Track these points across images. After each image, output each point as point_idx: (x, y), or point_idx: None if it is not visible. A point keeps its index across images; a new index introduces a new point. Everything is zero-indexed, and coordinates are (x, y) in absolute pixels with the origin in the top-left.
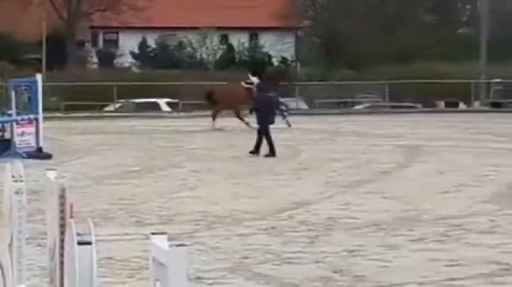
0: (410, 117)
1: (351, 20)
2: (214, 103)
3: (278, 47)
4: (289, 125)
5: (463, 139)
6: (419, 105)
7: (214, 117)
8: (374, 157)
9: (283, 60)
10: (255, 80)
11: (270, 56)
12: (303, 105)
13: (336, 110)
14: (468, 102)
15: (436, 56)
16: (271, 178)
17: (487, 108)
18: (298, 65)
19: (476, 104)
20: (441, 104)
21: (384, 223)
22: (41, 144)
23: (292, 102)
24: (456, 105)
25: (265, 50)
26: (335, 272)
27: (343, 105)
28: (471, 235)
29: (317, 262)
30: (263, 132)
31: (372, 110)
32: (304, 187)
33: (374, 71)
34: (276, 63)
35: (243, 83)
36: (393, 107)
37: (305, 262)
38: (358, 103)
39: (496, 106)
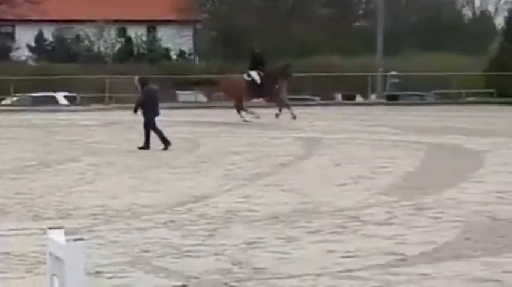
0: (308, 110)
1: (248, 14)
2: None
3: (176, 40)
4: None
5: (360, 131)
6: (317, 98)
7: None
8: (273, 150)
9: (181, 53)
10: (254, 74)
11: (168, 49)
12: (202, 99)
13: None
14: (365, 95)
15: (333, 50)
16: (169, 171)
17: (383, 101)
18: (197, 58)
19: (373, 97)
20: (338, 97)
21: (282, 215)
22: None
23: (190, 96)
24: (353, 98)
25: (163, 43)
26: (234, 264)
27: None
28: (368, 227)
29: (216, 254)
30: (150, 126)
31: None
32: (203, 180)
33: (272, 64)
34: (174, 57)
35: (244, 76)
36: (292, 99)
37: (204, 254)
38: None
39: (392, 99)
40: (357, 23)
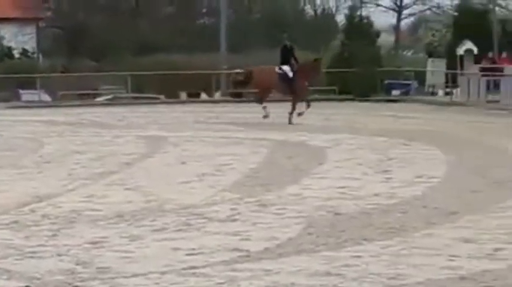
0: (152, 108)
1: (92, 11)
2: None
3: (19, 39)
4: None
5: (204, 129)
6: (161, 96)
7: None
8: (117, 148)
9: (24, 51)
10: (286, 69)
11: (10, 48)
12: (46, 98)
13: (78, 102)
14: (210, 93)
15: (177, 48)
16: (13, 171)
17: (228, 98)
18: (40, 56)
19: (218, 95)
20: (183, 95)
21: (126, 214)
22: None
23: (34, 95)
24: (198, 95)
25: (5, 42)
26: (78, 264)
27: (85, 96)
28: (212, 224)
29: (60, 255)
30: None
31: (115, 102)
32: (47, 180)
33: (116, 62)
34: (17, 56)
35: (276, 69)
36: (136, 98)
37: (48, 255)
38: (101, 95)
39: (237, 96)
40: (201, 21)
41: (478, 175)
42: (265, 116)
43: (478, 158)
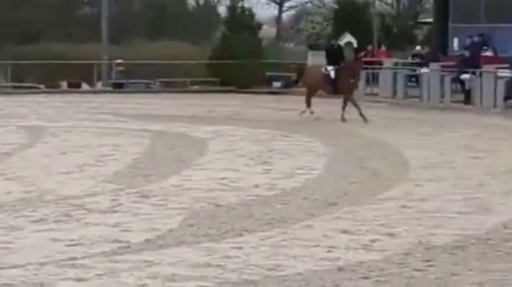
0: (33, 98)
1: None
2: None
3: None
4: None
5: (85, 119)
6: (42, 86)
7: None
8: None
9: None
10: (330, 69)
11: None
12: None
13: None
14: (91, 83)
15: (59, 37)
16: None
17: (109, 88)
18: None
19: (99, 85)
20: (64, 85)
21: (6, 205)
22: None
23: None
24: (79, 86)
25: None
26: None
27: None
28: (93, 215)
29: None
30: None
31: None
32: None
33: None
34: None
35: (323, 69)
36: (15, 87)
37: None
38: None
39: (118, 87)
40: (83, 10)
41: (357, 166)
42: (316, 117)
43: (358, 150)
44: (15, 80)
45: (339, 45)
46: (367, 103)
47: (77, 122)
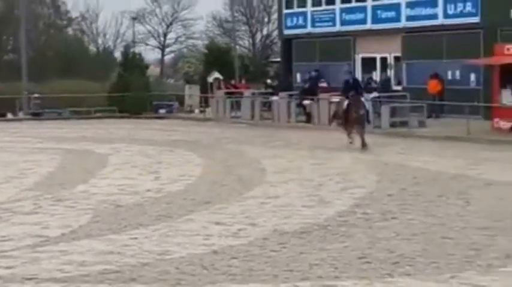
0: None
1: None
2: None
3: None
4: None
5: (10, 141)
6: None
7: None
8: None
9: None
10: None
11: None
12: None
13: None
14: (15, 113)
15: None
16: None
17: (29, 117)
18: None
19: (21, 114)
20: None
21: None
22: None
23: None
24: (5, 115)
25: None
26: None
27: None
28: (19, 216)
29: None
30: None
31: None
32: None
33: None
34: None
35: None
36: None
37: None
38: None
39: (36, 115)
40: (6, 56)
41: (226, 172)
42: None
43: (225, 160)
44: None
45: (354, 79)
46: (232, 124)
47: (3, 144)
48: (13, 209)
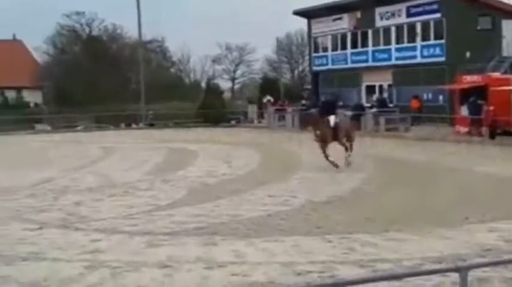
0: (105, 132)
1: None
2: None
3: (32, 97)
4: None
5: (134, 142)
6: (111, 126)
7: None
8: (88, 153)
9: (36, 103)
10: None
11: (28, 102)
12: (47, 127)
13: (65, 129)
14: (137, 123)
15: (119, 100)
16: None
17: (145, 126)
18: (44, 106)
19: (141, 124)
20: (122, 125)
21: (94, 188)
22: None
23: (43, 126)
24: (131, 125)
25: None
26: (68, 214)
27: (69, 127)
28: (139, 192)
29: (59, 209)
30: None
31: (87, 129)
32: (50, 171)
33: (89, 107)
34: (32, 105)
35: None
36: (98, 128)
37: (52, 209)
38: (77, 126)
39: (150, 125)
40: (132, 85)
41: (275, 162)
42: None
43: (275, 154)
44: (97, 123)
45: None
46: (278, 131)
47: (130, 144)
48: (136, 187)
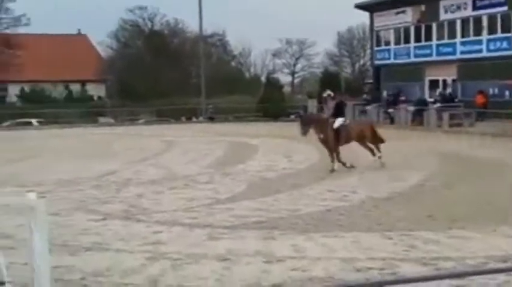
0: (166, 126)
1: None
2: None
3: (96, 91)
4: None
5: (195, 136)
6: (172, 119)
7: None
8: (150, 146)
9: (99, 97)
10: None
11: (92, 96)
12: (111, 120)
13: (127, 122)
14: (197, 117)
15: (180, 94)
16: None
17: (205, 120)
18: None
19: (201, 118)
20: (183, 118)
21: (156, 180)
22: None
23: (106, 119)
24: (191, 118)
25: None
26: (130, 206)
27: (131, 120)
28: (200, 185)
29: (121, 201)
30: None
31: (147, 123)
32: (113, 163)
33: (151, 101)
34: (95, 98)
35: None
36: (160, 121)
37: (115, 201)
38: (139, 119)
39: (210, 119)
40: (192, 80)
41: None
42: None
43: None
44: (159, 117)
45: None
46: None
47: (190, 137)
48: (196, 180)
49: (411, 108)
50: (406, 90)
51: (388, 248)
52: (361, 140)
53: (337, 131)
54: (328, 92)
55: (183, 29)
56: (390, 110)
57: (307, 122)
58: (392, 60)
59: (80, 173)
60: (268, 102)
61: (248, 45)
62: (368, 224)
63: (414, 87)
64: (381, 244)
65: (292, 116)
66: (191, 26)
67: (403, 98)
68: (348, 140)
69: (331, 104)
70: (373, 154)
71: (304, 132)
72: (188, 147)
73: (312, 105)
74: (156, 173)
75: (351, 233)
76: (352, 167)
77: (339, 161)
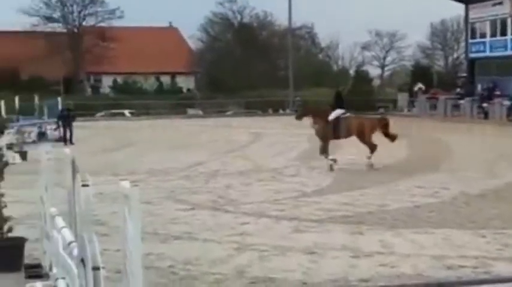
0: (257, 118)
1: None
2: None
3: (187, 83)
4: None
5: (282, 128)
6: (259, 111)
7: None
8: (237, 137)
9: (188, 90)
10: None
11: (181, 88)
12: (199, 112)
13: (216, 114)
14: (284, 109)
15: (269, 86)
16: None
17: (293, 112)
18: (197, 91)
19: (288, 110)
20: (270, 110)
21: (242, 172)
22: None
23: (195, 111)
24: (277, 110)
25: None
26: (219, 197)
27: (218, 113)
28: (286, 178)
29: (209, 192)
30: None
31: (234, 115)
32: (200, 154)
33: (236, 94)
34: (184, 91)
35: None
36: (247, 113)
37: (203, 191)
38: (227, 111)
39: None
40: (281, 72)
41: (419, 155)
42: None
43: (424, 145)
44: (247, 109)
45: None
46: (429, 119)
47: (278, 130)
48: (283, 173)
49: (507, 103)
50: (502, 85)
51: (480, 247)
52: (361, 134)
53: (335, 123)
54: (420, 85)
55: (271, 21)
56: (484, 105)
57: (307, 111)
58: (487, 53)
59: (170, 163)
60: (357, 95)
61: (336, 37)
62: (459, 221)
63: (510, 81)
64: (473, 242)
65: (381, 110)
66: (280, 18)
67: (498, 92)
68: (348, 134)
69: (422, 98)
70: (371, 152)
71: (298, 116)
72: (275, 139)
73: (402, 98)
74: (243, 164)
75: (442, 230)
76: (334, 161)
77: (323, 152)
